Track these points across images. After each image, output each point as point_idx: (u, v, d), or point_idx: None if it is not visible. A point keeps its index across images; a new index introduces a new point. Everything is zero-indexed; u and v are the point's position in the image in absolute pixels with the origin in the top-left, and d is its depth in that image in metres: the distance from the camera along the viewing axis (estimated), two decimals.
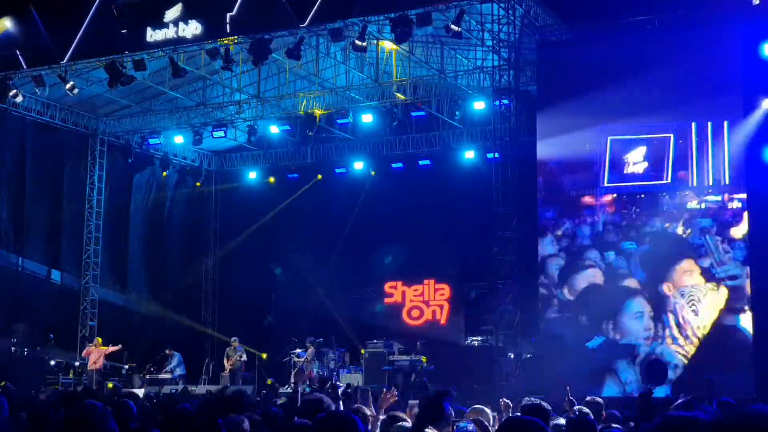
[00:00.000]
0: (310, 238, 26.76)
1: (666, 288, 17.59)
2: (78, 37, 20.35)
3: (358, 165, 26.01)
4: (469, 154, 24.49)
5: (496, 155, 19.65)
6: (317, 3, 18.49)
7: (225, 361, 22.51)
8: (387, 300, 25.60)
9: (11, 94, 21.41)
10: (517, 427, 3.53)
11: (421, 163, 25.16)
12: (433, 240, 24.84)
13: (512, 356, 18.64)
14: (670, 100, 17.63)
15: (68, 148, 25.14)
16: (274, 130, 24.47)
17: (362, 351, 22.57)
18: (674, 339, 17.39)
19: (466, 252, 24.15)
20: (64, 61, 20.60)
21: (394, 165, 25.46)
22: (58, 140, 24.73)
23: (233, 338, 22.76)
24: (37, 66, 21.07)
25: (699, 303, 17.28)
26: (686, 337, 17.32)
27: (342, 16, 18.73)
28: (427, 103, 22.90)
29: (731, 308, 17.09)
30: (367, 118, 23.21)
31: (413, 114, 22.72)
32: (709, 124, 17.63)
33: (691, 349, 17.25)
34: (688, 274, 17.46)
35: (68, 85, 21.02)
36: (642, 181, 18.18)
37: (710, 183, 17.60)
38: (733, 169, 17.39)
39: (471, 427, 5.71)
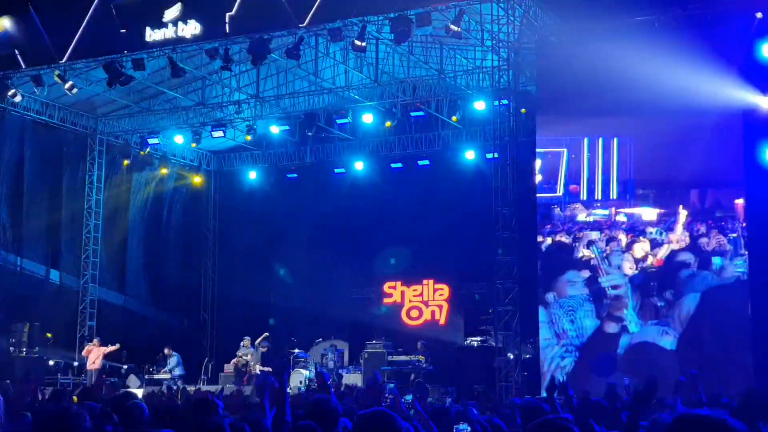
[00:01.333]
0: (309, 239, 26.73)
1: (552, 297, 18.48)
2: (77, 37, 20.32)
3: (358, 165, 25.98)
4: (469, 154, 24.47)
5: (496, 155, 19.64)
6: (316, 3, 18.48)
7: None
8: (386, 300, 25.60)
9: (10, 93, 21.39)
10: (549, 428, 3.51)
11: (420, 163, 25.14)
12: (433, 240, 24.82)
13: (511, 357, 18.63)
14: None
15: (67, 148, 25.12)
16: (274, 130, 24.44)
17: (363, 353, 22.58)
18: (559, 347, 18.25)
19: (465, 252, 24.13)
20: (63, 60, 20.58)
21: (393, 165, 25.44)
22: (57, 140, 24.71)
23: (246, 337, 22.73)
24: (36, 65, 21.05)
25: (574, 313, 18.14)
26: (566, 347, 18.14)
27: (341, 16, 18.71)
28: (427, 103, 22.88)
29: (613, 317, 17.85)
30: (366, 118, 23.19)
31: (412, 114, 22.71)
32: (600, 140, 18.51)
33: (571, 359, 18.08)
34: (571, 284, 18.31)
35: (67, 85, 21.00)
36: (536, 194, 19.06)
37: (599, 197, 18.53)
38: (621, 184, 18.31)
39: (469, 429, 5.70)
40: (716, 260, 17.30)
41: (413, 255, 25.18)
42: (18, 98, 21.82)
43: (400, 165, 25.38)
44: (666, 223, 17.85)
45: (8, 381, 16.27)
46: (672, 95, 17.61)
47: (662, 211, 17.95)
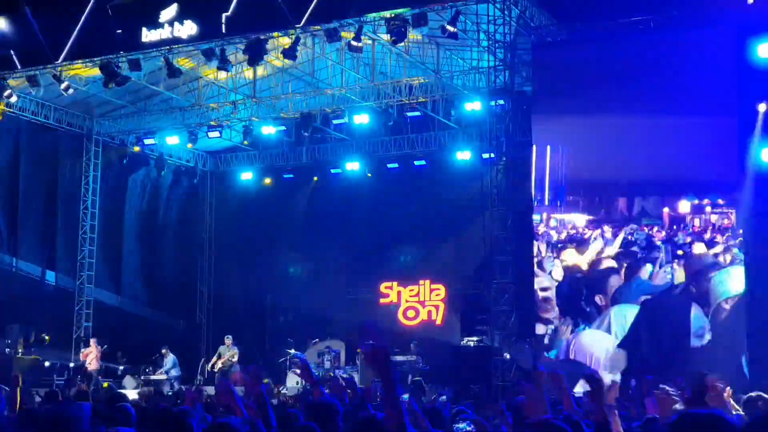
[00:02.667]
0: (305, 239, 26.72)
1: None
2: (73, 37, 20.31)
3: (354, 165, 25.97)
4: (465, 155, 24.47)
5: (492, 155, 19.67)
6: (313, 3, 18.48)
7: (216, 359, 22.45)
8: (382, 300, 25.57)
9: (5, 94, 21.35)
10: (544, 428, 3.53)
11: (416, 163, 25.15)
12: (429, 240, 24.84)
13: (508, 357, 18.64)
14: None
15: (63, 149, 25.08)
16: (270, 130, 24.41)
17: (358, 350, 22.56)
18: None
19: (461, 252, 24.14)
20: (59, 61, 20.56)
21: (389, 165, 25.44)
22: (53, 140, 24.67)
23: (227, 336, 22.69)
24: (32, 66, 21.02)
25: None
26: None
27: (337, 16, 18.71)
28: (423, 103, 22.89)
29: (541, 318, 18.55)
30: (362, 119, 23.19)
31: (408, 114, 22.71)
32: (534, 147, 19.07)
33: None
34: None
35: (63, 85, 20.97)
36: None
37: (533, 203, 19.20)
38: (553, 190, 18.84)
39: (470, 428, 5.70)
40: (647, 267, 17.73)
41: (409, 255, 25.17)
42: (13, 99, 21.78)
43: (396, 165, 25.38)
44: (594, 230, 18.35)
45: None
46: (663, 96, 17.76)
47: (591, 217, 18.52)
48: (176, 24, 19.53)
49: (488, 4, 18.53)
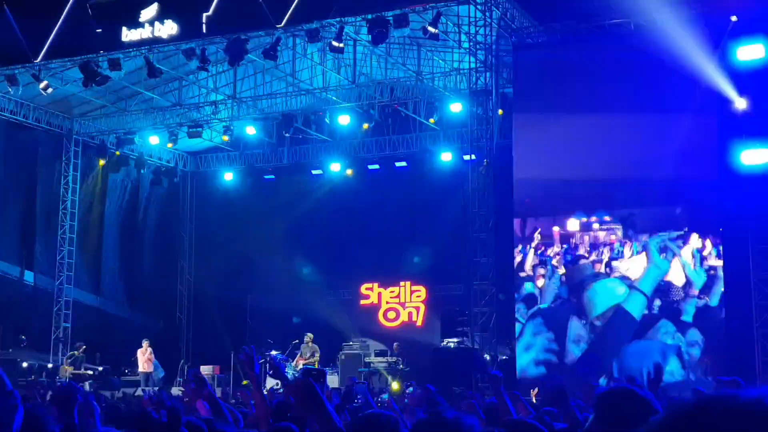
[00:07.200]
0: (285, 240, 26.63)
1: None
2: (52, 36, 20.21)
3: (335, 166, 25.94)
4: (446, 156, 24.49)
5: (473, 157, 19.70)
6: (294, 3, 18.46)
7: (299, 358, 21.47)
8: (363, 302, 25.55)
9: None
10: (518, 428, 3.55)
11: (397, 164, 25.15)
12: (410, 241, 24.83)
13: (488, 357, 18.68)
14: None
15: (42, 148, 24.91)
16: (251, 131, 24.35)
17: (340, 356, 22.50)
18: None
19: (442, 254, 24.14)
20: (38, 60, 20.43)
21: (370, 166, 25.43)
22: (32, 140, 24.50)
23: (308, 333, 22.19)
24: (11, 65, 20.88)
25: None
26: None
27: (318, 16, 18.71)
28: (404, 104, 22.90)
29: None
30: (343, 120, 23.17)
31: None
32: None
33: None
34: None
35: (42, 85, 20.84)
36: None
37: None
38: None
39: None
40: (526, 286, 18.57)
41: (390, 256, 25.16)
42: None
43: (377, 166, 25.38)
44: None
45: None
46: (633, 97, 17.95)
47: None
48: (157, 24, 19.47)
49: (469, 5, 18.57)
